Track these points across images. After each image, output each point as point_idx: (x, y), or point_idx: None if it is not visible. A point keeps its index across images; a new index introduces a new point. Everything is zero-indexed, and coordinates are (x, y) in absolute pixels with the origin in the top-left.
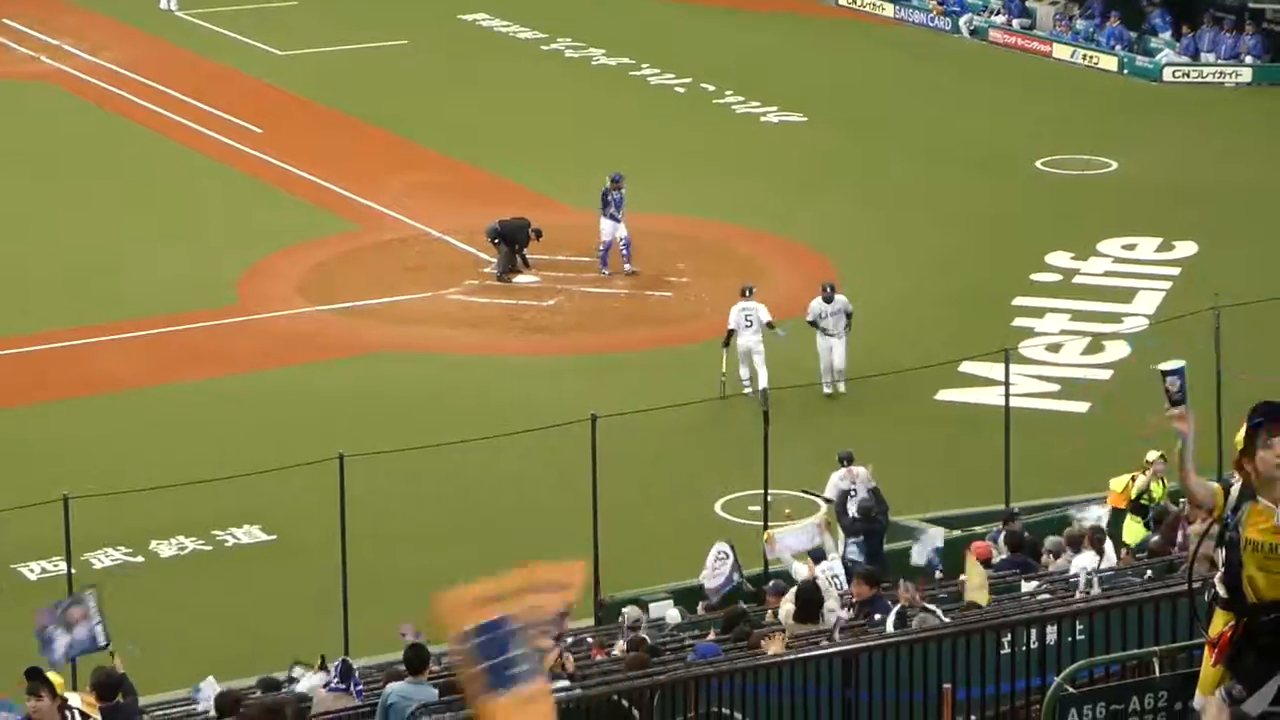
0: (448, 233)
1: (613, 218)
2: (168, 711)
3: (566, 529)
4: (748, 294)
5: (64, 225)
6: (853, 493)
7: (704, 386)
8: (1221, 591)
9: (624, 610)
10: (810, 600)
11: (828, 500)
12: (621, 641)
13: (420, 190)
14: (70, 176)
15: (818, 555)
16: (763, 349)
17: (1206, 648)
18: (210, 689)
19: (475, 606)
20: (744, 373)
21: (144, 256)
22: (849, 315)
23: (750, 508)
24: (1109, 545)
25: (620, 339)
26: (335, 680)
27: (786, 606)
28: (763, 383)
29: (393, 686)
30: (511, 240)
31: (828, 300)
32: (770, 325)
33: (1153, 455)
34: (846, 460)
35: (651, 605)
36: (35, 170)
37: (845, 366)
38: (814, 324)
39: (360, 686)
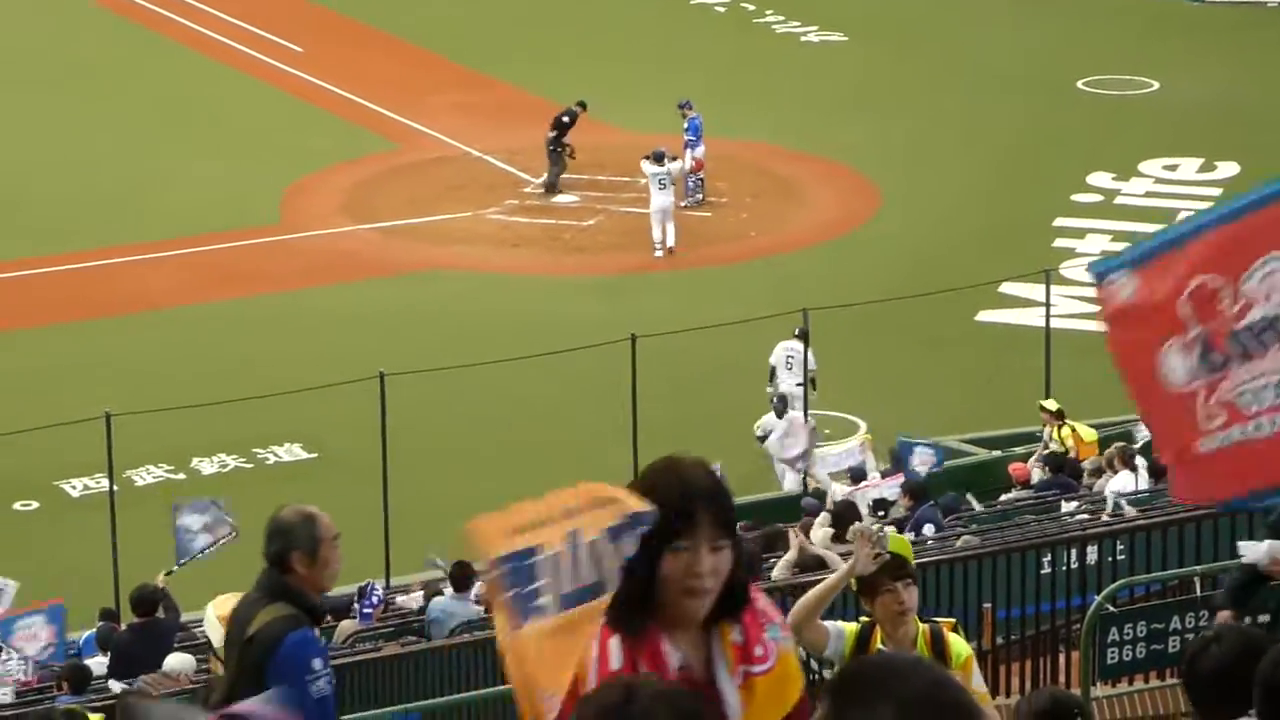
0: (488, 152)
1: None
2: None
3: (606, 448)
4: (663, 160)
5: (102, 144)
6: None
7: (745, 306)
8: None
9: None
10: (846, 520)
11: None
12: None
13: (461, 109)
14: (109, 95)
15: (857, 475)
16: (672, 209)
17: None
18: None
19: (507, 535)
20: (656, 235)
21: (184, 175)
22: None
23: None
24: (1141, 462)
25: (660, 259)
26: (357, 604)
27: (822, 530)
28: (670, 241)
29: (436, 601)
30: (564, 129)
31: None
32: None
33: None
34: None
35: None
36: (74, 88)
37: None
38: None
39: (369, 610)
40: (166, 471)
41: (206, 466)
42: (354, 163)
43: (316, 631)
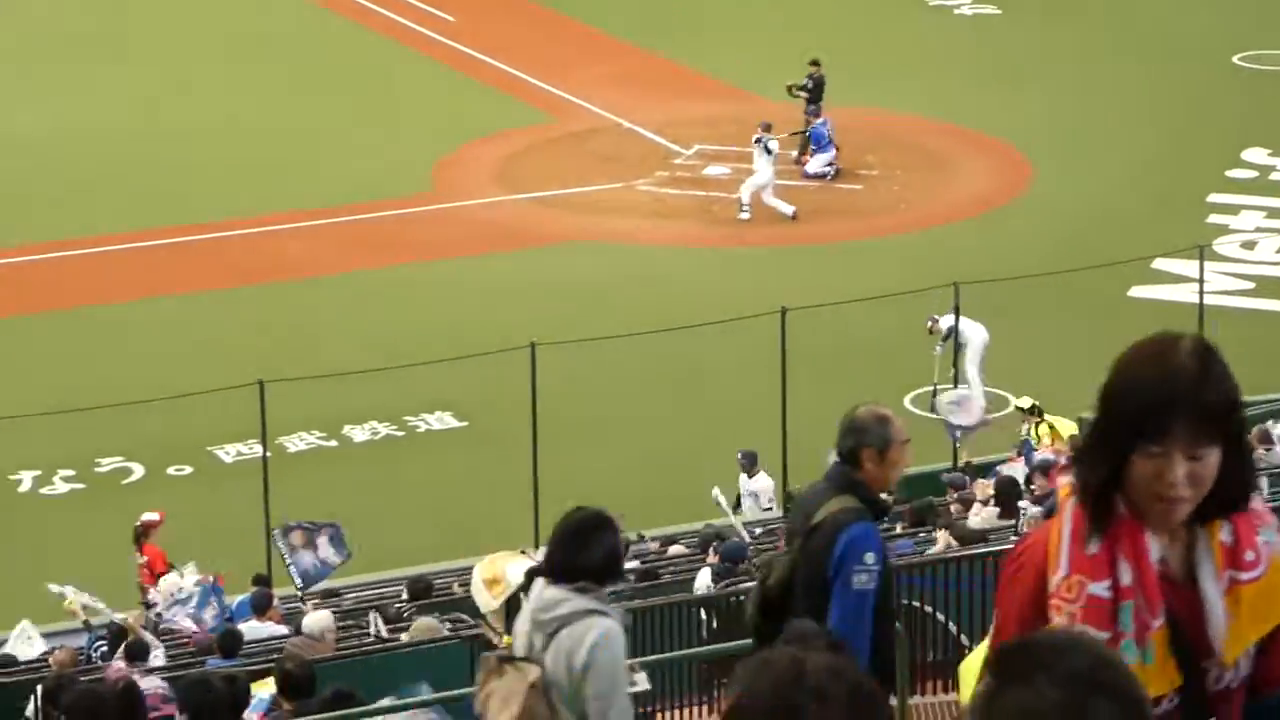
0: (640, 124)
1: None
2: (360, 594)
3: (755, 420)
4: (766, 128)
5: (259, 113)
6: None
7: (895, 278)
8: None
9: None
10: (1009, 495)
11: None
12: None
13: (613, 81)
14: (267, 65)
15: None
16: (767, 176)
17: None
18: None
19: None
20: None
21: (339, 144)
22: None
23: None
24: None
25: (810, 232)
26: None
27: (989, 510)
28: (744, 213)
29: None
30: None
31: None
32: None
33: None
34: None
35: None
36: (229, 57)
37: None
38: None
39: None
40: (319, 438)
41: (358, 434)
42: (506, 133)
43: (877, 527)
